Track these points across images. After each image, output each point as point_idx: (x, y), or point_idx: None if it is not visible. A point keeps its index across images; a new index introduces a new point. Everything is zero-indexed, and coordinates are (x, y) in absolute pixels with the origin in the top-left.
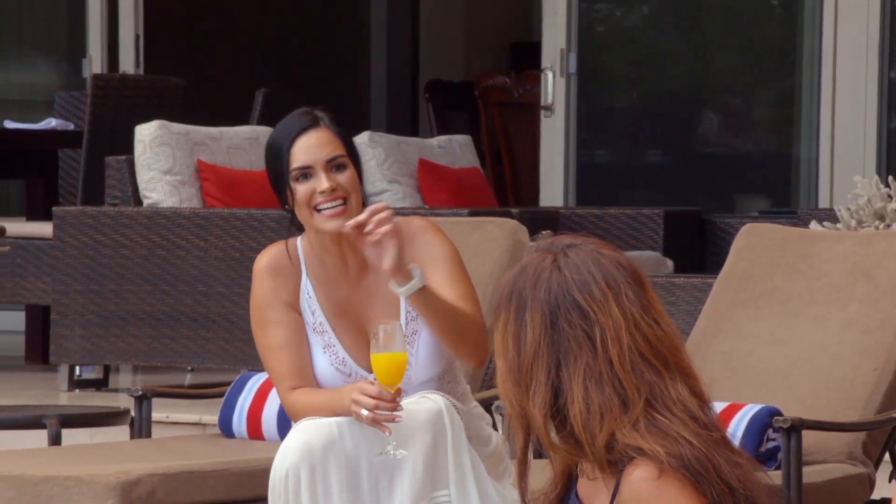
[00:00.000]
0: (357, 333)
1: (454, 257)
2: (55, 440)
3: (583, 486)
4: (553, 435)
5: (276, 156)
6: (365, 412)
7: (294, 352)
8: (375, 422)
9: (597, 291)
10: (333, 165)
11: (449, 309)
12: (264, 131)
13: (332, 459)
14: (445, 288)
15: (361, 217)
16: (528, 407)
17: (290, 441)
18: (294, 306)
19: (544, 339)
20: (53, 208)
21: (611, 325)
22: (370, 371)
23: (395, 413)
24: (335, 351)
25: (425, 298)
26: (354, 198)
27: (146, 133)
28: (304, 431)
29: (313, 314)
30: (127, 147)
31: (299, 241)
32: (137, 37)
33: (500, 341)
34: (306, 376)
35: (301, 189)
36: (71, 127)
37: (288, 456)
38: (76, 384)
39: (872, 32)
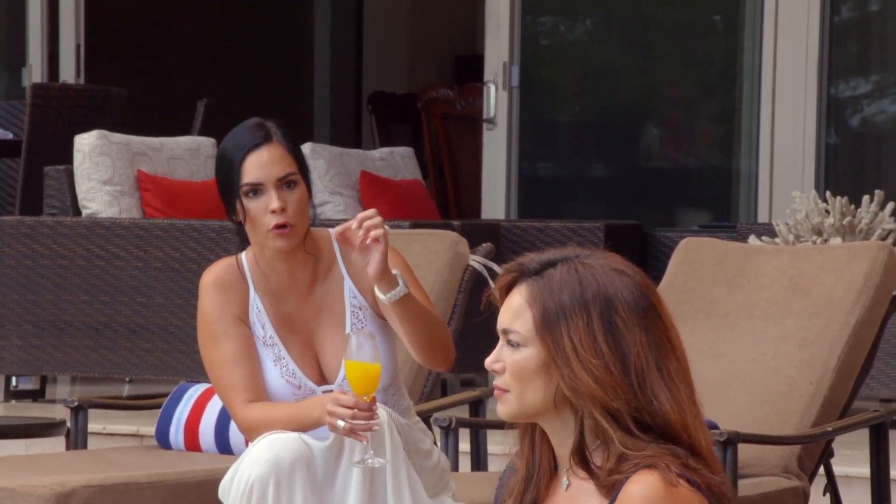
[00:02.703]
0: (304, 347)
1: (408, 266)
2: None
3: (556, 501)
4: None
5: (227, 168)
6: (341, 423)
7: (247, 365)
8: (353, 432)
9: (653, 296)
10: (284, 183)
11: (427, 314)
12: (205, 142)
13: (299, 475)
14: None
15: (352, 224)
16: (614, 405)
17: (257, 453)
18: (243, 320)
19: (643, 341)
20: None
21: (672, 327)
22: (319, 383)
23: (371, 422)
24: (285, 364)
25: (408, 305)
26: (301, 220)
27: (86, 143)
28: (274, 444)
29: (263, 328)
30: (66, 157)
31: (244, 256)
32: (78, 46)
33: (588, 342)
34: (259, 389)
35: (253, 206)
36: (10, 136)
37: (255, 467)
38: (12, 395)
39: (812, 48)
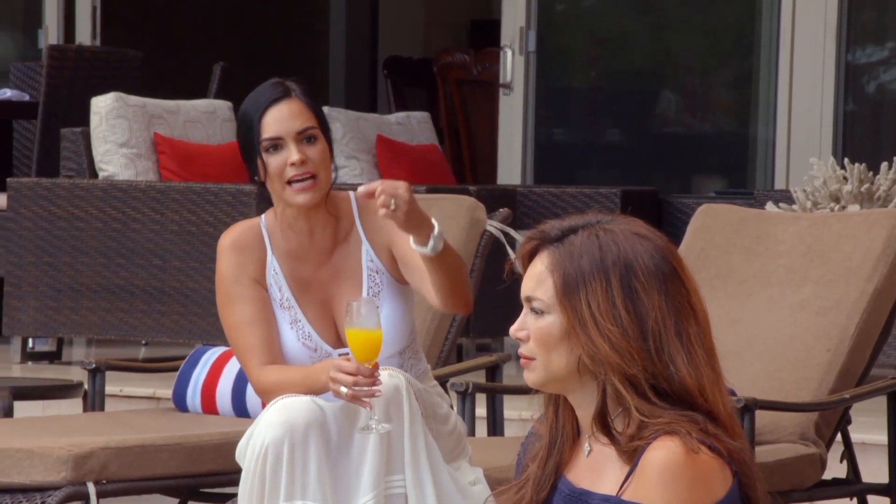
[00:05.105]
0: (321, 309)
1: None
2: (7, 412)
3: (578, 467)
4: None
5: (248, 126)
6: (344, 389)
7: (263, 327)
8: (355, 398)
9: (675, 260)
10: (304, 137)
11: (459, 262)
12: (221, 105)
13: (313, 439)
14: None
15: (375, 186)
16: (631, 371)
17: (271, 417)
18: (260, 282)
19: (662, 305)
20: (8, 179)
21: (695, 292)
22: (335, 346)
23: (374, 388)
24: (301, 326)
25: (445, 251)
26: (324, 173)
27: (102, 105)
28: (287, 408)
29: (280, 290)
30: (83, 119)
31: (263, 218)
32: (94, 8)
33: (606, 308)
34: (275, 351)
35: (272, 161)
36: (26, 98)
37: (269, 431)
38: (29, 356)
39: (830, 16)
